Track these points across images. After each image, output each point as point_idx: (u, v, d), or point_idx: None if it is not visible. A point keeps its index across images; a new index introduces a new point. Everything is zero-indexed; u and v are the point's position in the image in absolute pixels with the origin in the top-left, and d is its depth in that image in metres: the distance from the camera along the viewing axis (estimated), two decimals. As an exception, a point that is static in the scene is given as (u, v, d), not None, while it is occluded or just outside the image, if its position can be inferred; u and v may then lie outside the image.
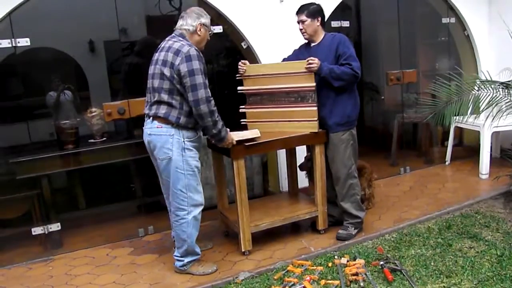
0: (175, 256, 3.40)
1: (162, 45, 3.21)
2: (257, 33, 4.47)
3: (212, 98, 3.13)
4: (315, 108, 3.60)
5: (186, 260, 3.37)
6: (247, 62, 3.75)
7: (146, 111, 3.27)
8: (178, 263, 3.39)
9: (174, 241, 3.50)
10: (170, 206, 3.40)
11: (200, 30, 3.23)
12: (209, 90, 3.12)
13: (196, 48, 3.14)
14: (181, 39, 3.18)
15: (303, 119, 3.67)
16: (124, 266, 3.64)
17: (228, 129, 3.32)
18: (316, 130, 3.63)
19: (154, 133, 3.18)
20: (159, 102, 3.14)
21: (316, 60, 3.50)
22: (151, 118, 3.20)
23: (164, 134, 3.14)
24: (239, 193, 3.48)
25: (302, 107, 3.65)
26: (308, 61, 3.50)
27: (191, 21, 3.22)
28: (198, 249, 3.40)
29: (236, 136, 3.39)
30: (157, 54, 3.20)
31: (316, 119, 3.62)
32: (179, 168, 3.17)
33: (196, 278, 3.32)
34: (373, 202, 4.49)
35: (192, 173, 3.23)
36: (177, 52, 3.07)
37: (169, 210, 3.49)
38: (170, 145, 3.14)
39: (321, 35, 3.71)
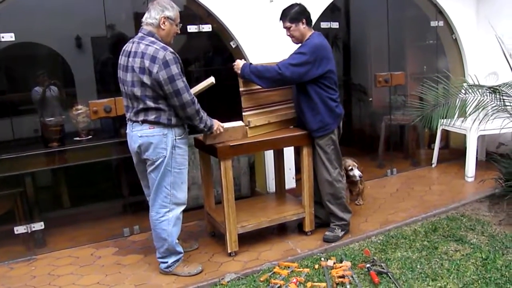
0: (158, 258, 3.36)
1: (133, 49, 3.06)
2: (246, 33, 4.44)
3: (195, 98, 3.11)
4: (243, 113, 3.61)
5: (170, 260, 3.33)
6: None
7: (132, 118, 3.15)
8: (163, 265, 3.35)
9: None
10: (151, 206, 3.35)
11: (164, 23, 3.09)
12: (190, 90, 3.10)
13: (171, 50, 3.02)
14: (152, 40, 3.04)
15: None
16: (108, 267, 3.59)
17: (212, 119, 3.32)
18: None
19: (146, 135, 3.10)
20: (146, 109, 3.07)
21: (236, 62, 3.53)
22: (140, 122, 3.12)
23: (158, 135, 3.09)
24: (226, 194, 3.45)
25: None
26: None
27: (155, 13, 3.08)
28: (179, 248, 3.36)
29: (223, 124, 3.40)
30: (130, 59, 3.05)
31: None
32: (167, 165, 3.14)
33: (181, 279, 3.29)
34: (364, 198, 4.54)
35: (178, 171, 3.20)
36: (153, 59, 2.95)
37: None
38: (165, 145, 3.11)
39: (307, 36, 3.63)
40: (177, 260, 3.36)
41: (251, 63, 3.55)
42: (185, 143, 3.24)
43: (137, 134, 3.13)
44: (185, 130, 3.24)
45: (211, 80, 3.40)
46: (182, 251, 3.40)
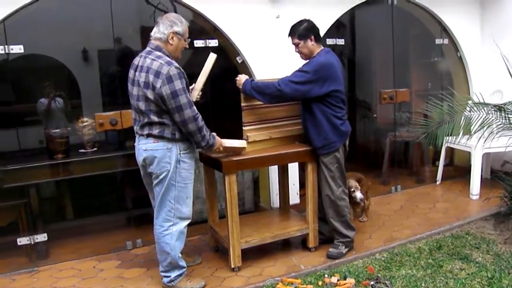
0: (161, 272, 3.34)
1: (140, 64, 3.08)
2: (253, 48, 4.47)
3: (198, 115, 3.08)
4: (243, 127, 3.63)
5: (173, 275, 3.30)
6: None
7: (138, 131, 3.19)
8: (166, 279, 3.32)
9: None
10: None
11: (172, 38, 3.11)
12: (194, 106, 3.07)
13: (176, 65, 3.03)
14: (159, 54, 3.05)
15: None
16: (111, 279, 3.57)
17: (215, 134, 3.29)
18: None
19: (150, 148, 3.11)
20: (150, 124, 3.09)
21: (238, 77, 3.56)
22: (145, 135, 3.14)
23: (161, 149, 3.10)
24: (230, 208, 3.44)
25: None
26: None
27: (163, 28, 3.10)
28: (182, 263, 3.33)
29: (224, 141, 3.36)
30: (136, 73, 3.08)
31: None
32: (171, 179, 3.14)
33: (184, 294, 3.28)
34: (369, 215, 4.52)
35: (183, 186, 3.19)
36: (157, 74, 2.96)
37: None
38: (168, 159, 3.11)
39: (316, 52, 3.62)
40: (180, 275, 3.33)
41: (252, 79, 3.57)
42: (190, 158, 3.23)
43: (142, 148, 3.15)
44: (191, 145, 3.23)
45: (213, 56, 3.40)
46: (185, 265, 3.37)
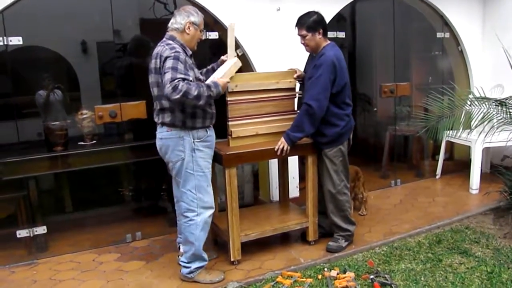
0: (182, 262, 3.33)
1: (154, 52, 3.17)
2: (253, 41, 4.45)
3: (179, 82, 2.89)
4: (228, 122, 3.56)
5: (193, 266, 3.29)
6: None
7: (155, 120, 3.25)
8: (185, 270, 3.31)
9: (179, 247, 3.47)
10: (179, 209, 3.38)
11: (189, 28, 3.17)
12: (181, 76, 2.93)
13: (179, 50, 3.04)
14: (169, 42, 3.11)
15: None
16: (110, 272, 3.57)
17: (215, 80, 3.19)
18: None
19: (164, 137, 3.15)
20: (163, 110, 3.13)
21: (278, 144, 3.49)
22: (160, 124, 3.19)
23: (174, 137, 3.12)
24: (230, 202, 3.44)
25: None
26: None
27: (180, 19, 3.17)
28: (205, 255, 3.34)
29: (224, 76, 3.30)
30: (152, 61, 3.15)
31: None
32: (188, 168, 3.15)
33: (184, 287, 3.28)
34: (368, 208, 4.55)
35: (202, 174, 3.20)
36: (161, 57, 3.04)
37: (177, 214, 3.50)
38: (182, 147, 3.12)
39: (322, 46, 3.56)
40: (200, 267, 3.32)
41: (288, 133, 3.51)
42: (206, 146, 3.22)
43: (158, 137, 3.22)
44: (206, 133, 3.22)
45: (238, 63, 3.43)
46: (207, 259, 3.38)
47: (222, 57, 3.54)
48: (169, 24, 3.23)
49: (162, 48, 3.08)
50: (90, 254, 3.92)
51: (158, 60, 3.06)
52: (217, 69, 3.51)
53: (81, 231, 4.37)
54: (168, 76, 2.92)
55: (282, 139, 3.50)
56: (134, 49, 4.58)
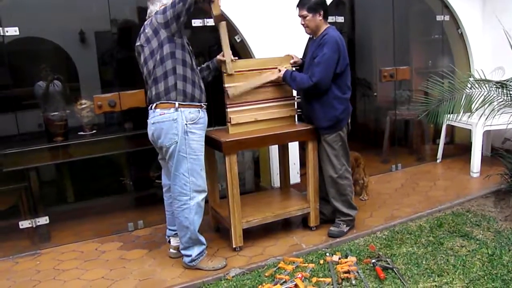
0: (181, 250, 3.35)
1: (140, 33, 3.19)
2: (252, 27, 4.41)
3: None
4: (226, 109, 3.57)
5: (194, 253, 3.30)
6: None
7: (148, 99, 3.23)
8: (187, 259, 3.32)
9: (169, 241, 3.51)
10: (169, 199, 3.37)
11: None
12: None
13: None
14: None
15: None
16: (113, 261, 3.59)
17: None
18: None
19: (157, 121, 3.12)
20: (156, 81, 3.10)
21: (276, 70, 3.56)
22: (153, 107, 3.15)
23: (167, 120, 3.09)
24: (231, 189, 3.44)
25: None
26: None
27: (155, 6, 3.18)
28: (202, 238, 3.35)
29: None
30: (138, 42, 3.17)
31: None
32: (181, 151, 3.13)
33: (186, 274, 3.29)
34: (369, 193, 4.56)
35: (195, 157, 3.18)
36: (149, 23, 3.08)
37: (166, 204, 3.48)
38: (175, 130, 3.10)
39: (322, 29, 3.55)
40: (201, 254, 3.34)
41: (292, 71, 3.60)
42: (199, 129, 3.20)
43: (151, 122, 3.18)
44: (198, 114, 3.19)
45: (223, 24, 3.41)
46: (205, 242, 3.38)
47: (218, 56, 3.51)
48: (148, 13, 3.23)
49: (148, 21, 3.12)
50: (92, 243, 3.94)
51: (147, 28, 3.07)
52: (212, 67, 3.54)
53: (83, 221, 4.39)
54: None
55: (282, 71, 3.57)
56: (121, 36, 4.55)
